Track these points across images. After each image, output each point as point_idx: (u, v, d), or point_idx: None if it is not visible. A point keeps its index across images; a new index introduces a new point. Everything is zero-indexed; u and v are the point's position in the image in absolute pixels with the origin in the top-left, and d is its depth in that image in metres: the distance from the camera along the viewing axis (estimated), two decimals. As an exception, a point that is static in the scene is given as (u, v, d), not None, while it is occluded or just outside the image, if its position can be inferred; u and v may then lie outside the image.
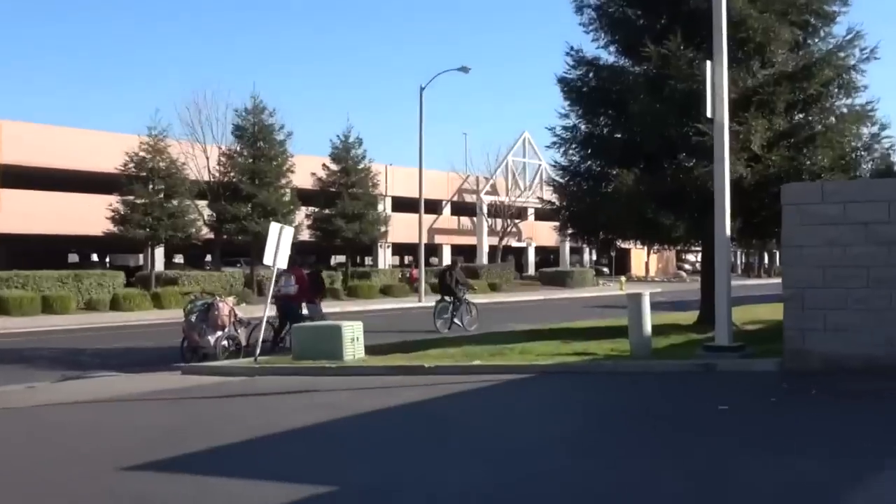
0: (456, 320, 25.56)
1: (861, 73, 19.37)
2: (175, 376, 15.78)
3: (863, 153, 19.57)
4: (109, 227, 40.36)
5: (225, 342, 18.11)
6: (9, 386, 14.77)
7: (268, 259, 17.13)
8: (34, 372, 17.16)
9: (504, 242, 69.54)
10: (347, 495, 7.12)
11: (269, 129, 43.84)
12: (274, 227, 17.34)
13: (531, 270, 73.43)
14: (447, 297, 25.87)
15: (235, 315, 18.58)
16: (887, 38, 20.80)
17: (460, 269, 28.46)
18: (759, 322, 21.32)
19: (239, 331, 18.44)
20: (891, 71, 57.25)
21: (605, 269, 79.47)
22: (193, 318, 18.25)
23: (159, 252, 47.56)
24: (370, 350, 17.14)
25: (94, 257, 62.37)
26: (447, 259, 70.29)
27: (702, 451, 8.38)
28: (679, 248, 27.99)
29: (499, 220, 69.42)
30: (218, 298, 18.85)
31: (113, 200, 40.75)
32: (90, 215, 44.20)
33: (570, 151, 21.06)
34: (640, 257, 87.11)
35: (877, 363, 12.37)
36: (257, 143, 43.54)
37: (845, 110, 19.60)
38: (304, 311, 19.77)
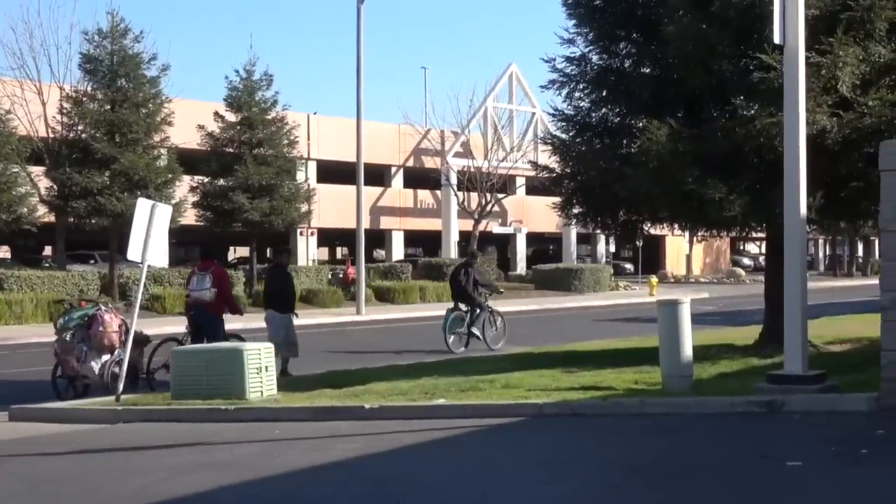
0: (475, 330, 26.25)
1: None
2: (1, 424, 15.66)
3: None
4: None
5: (115, 368, 17.95)
6: None
7: (133, 252, 17.04)
8: None
9: (482, 227, 69.16)
10: None
11: (136, 60, 43.60)
12: (143, 206, 17.25)
13: (521, 268, 73.59)
14: (462, 305, 26.61)
15: (126, 331, 18.21)
16: None
17: (479, 265, 29.11)
18: (847, 340, 21.55)
19: (135, 353, 18.31)
20: None
21: (629, 266, 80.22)
22: (69, 336, 18.24)
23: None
24: (287, 385, 17.15)
25: None
26: (398, 252, 70.42)
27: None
28: (735, 234, 28.14)
29: (474, 195, 69.07)
30: (103, 308, 18.83)
31: None
32: None
33: (577, 94, 21.21)
34: (679, 248, 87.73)
35: None
36: (118, 81, 43.29)
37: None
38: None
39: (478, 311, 26.63)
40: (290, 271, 22.78)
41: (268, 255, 66.01)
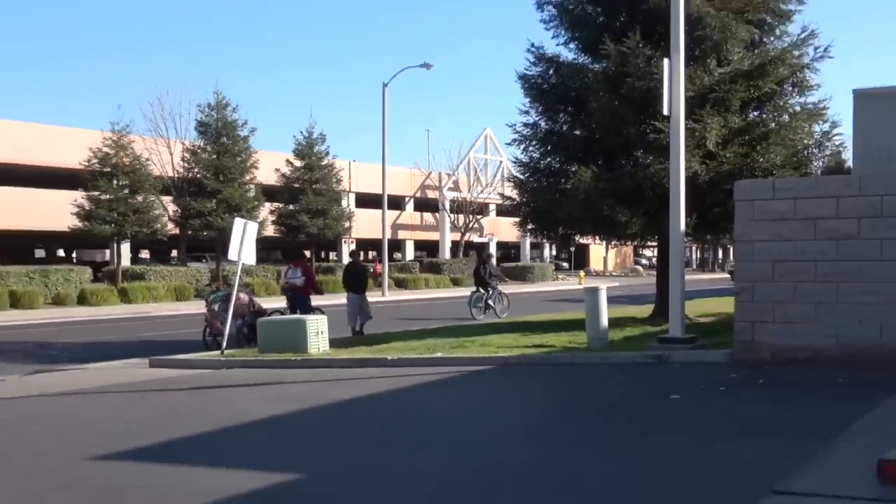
0: (490, 302, 27.24)
1: (814, 72, 19.65)
2: (143, 370, 15.69)
3: (814, 150, 19.80)
4: (75, 222, 39.85)
5: (246, 330, 18.60)
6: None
7: (232, 254, 17.08)
8: (4, 366, 16.99)
9: (466, 238, 69.54)
10: (312, 482, 7.18)
11: (233, 124, 43.51)
12: (238, 223, 17.27)
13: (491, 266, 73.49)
14: (481, 289, 27.50)
15: (253, 305, 19.29)
16: (840, 36, 21.14)
17: (492, 263, 30.69)
18: (711, 315, 21.62)
19: (254, 320, 18.62)
20: (842, 69, 58.12)
21: (565, 264, 79.93)
22: (216, 307, 18.71)
23: (125, 247, 47.10)
24: (334, 343, 17.18)
25: (61, 253, 61.62)
26: (409, 254, 70.39)
27: (654, 438, 8.52)
28: (636, 243, 28.28)
29: (461, 216, 69.43)
30: (246, 287, 19.22)
31: (78, 196, 40.25)
32: (55, 211, 43.78)
33: (531, 148, 21.15)
34: (599, 252, 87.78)
35: (823, 354, 12.57)
36: (221, 138, 43.19)
37: (798, 108, 19.85)
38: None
39: (491, 291, 27.40)
40: (362, 267, 23.04)
41: (322, 255, 65.93)
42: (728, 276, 62.31)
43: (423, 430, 9.40)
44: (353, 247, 64.02)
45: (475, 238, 72.80)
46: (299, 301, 19.86)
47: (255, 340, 17.60)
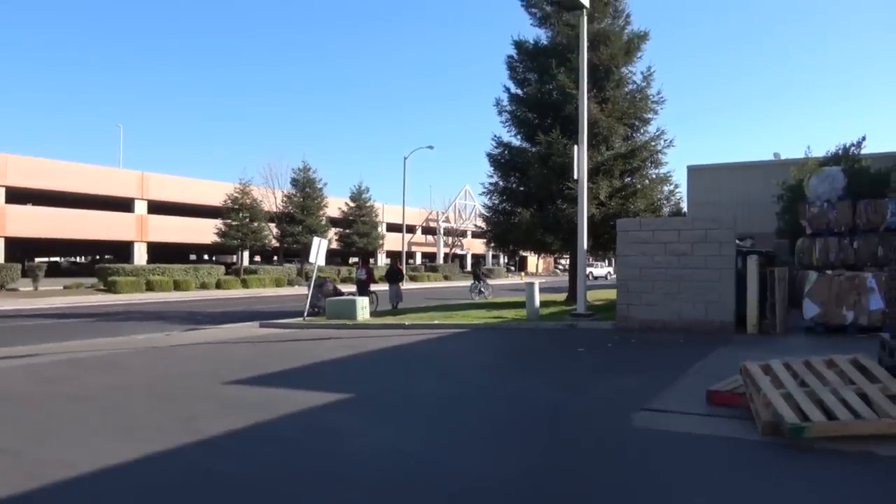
0: (482, 290, 26.15)
1: (664, 154, 19.68)
2: (256, 330, 15.59)
3: (664, 202, 19.81)
4: (216, 238, 39.58)
5: (324, 303, 17.88)
6: (154, 333, 14.51)
7: (312, 259, 17.00)
8: (170, 325, 16.87)
9: (453, 251, 69.53)
10: (358, 398, 7.15)
11: (313, 180, 43.20)
12: (315, 240, 17.15)
13: (468, 267, 73.37)
14: (476, 281, 26.61)
15: (335, 289, 18.61)
16: (681, 131, 21.11)
17: (483, 266, 30.96)
18: (602, 300, 21.58)
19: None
20: (682, 151, 58.14)
21: (512, 268, 79.68)
22: (314, 289, 18.08)
23: (245, 254, 46.79)
24: (380, 314, 17.07)
25: (206, 257, 61.14)
26: (419, 261, 70.10)
27: (568, 374, 8.53)
28: (556, 256, 28.16)
29: (450, 238, 69.39)
30: (328, 279, 18.84)
31: (218, 223, 40.00)
32: (203, 231, 43.71)
33: (493, 197, 21.01)
34: (533, 261, 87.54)
35: (670, 325, 12.60)
36: (305, 189, 42.93)
37: (654, 176, 19.77)
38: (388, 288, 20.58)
39: (482, 282, 26.66)
40: (398, 267, 22.41)
41: (369, 261, 65.64)
42: (614, 276, 62.18)
43: (426, 366, 9.36)
44: (386, 256, 64.05)
45: (458, 251, 72.73)
46: (363, 287, 19.70)
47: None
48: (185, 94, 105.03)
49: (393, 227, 60.82)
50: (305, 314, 16.65)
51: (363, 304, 16.32)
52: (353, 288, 22.48)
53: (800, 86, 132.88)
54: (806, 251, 13.26)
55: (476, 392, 7.27)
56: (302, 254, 41.28)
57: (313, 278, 17.89)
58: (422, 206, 69.88)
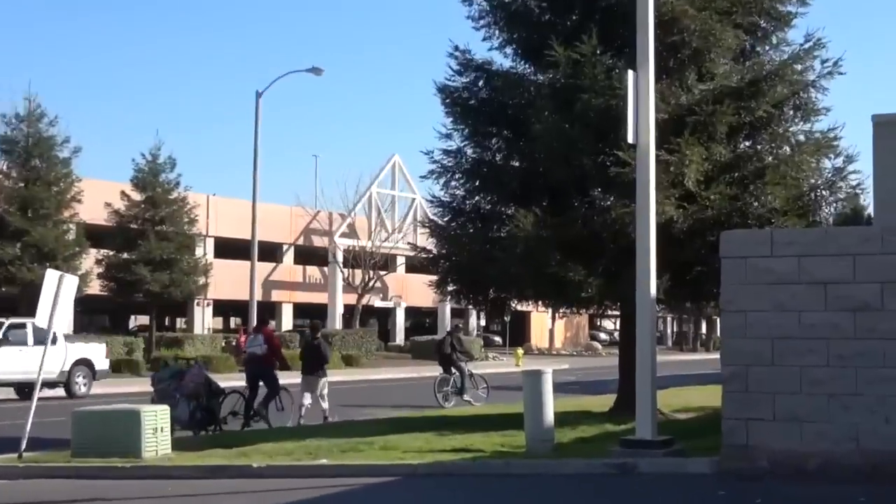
0: (466, 397, 27.30)
1: (823, 92, 19.96)
2: None
3: (824, 193, 19.96)
4: None
5: (199, 414, 19.03)
6: None
7: (41, 318, 16.63)
8: None
9: (365, 301, 69.21)
10: None
11: (49, 142, 43.04)
12: (51, 277, 16.85)
13: (400, 339, 73.37)
14: (448, 370, 28.01)
15: (210, 383, 19.56)
16: (855, 47, 21.62)
17: (460, 335, 31.57)
18: (692, 409, 21.71)
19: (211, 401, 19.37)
20: (859, 89, 59.37)
21: (497, 339, 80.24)
22: (165, 385, 18.98)
23: None
24: (179, 444, 16.76)
25: None
26: (287, 322, 69.73)
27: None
28: (592, 311, 28.35)
29: (358, 272, 69.02)
30: (195, 361, 20.49)
31: None
32: None
33: (453, 183, 21.14)
34: (543, 323, 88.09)
35: (838, 463, 12.63)
36: (31, 160, 42.67)
37: (802, 138, 20.11)
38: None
39: (461, 370, 27.80)
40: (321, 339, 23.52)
41: (166, 323, 64.93)
42: (716, 356, 63.15)
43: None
44: (209, 309, 63.48)
45: (377, 301, 72.58)
46: (262, 373, 20.65)
47: (210, 425, 18.69)
48: None
49: (232, 248, 60.54)
50: (22, 448, 16.23)
51: (157, 422, 16.01)
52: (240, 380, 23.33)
53: None
54: None
55: None
56: (23, 306, 40.31)
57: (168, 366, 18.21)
58: (297, 202, 70.21)
